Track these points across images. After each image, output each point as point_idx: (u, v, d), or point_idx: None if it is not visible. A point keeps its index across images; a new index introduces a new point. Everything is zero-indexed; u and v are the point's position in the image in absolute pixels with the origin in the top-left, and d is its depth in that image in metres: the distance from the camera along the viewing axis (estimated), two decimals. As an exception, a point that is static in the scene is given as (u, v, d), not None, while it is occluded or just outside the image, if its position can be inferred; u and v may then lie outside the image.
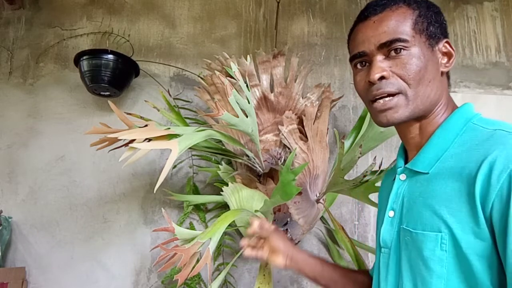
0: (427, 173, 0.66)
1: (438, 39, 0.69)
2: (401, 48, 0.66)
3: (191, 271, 1.01)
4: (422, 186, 0.66)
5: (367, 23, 0.69)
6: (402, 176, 0.71)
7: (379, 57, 0.67)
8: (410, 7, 0.69)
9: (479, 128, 0.63)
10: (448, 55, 0.70)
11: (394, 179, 0.74)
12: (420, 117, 0.69)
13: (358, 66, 0.72)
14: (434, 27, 0.69)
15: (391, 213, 0.72)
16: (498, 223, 0.54)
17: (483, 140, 0.60)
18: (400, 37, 0.66)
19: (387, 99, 0.66)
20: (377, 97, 0.67)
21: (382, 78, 0.66)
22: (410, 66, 0.65)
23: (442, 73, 0.70)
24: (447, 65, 0.70)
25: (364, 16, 0.71)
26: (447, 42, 0.70)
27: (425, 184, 0.65)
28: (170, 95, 1.77)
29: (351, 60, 0.73)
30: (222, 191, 1.47)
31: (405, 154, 0.76)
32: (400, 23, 0.67)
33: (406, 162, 0.74)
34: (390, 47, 0.66)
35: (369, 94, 0.69)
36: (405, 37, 0.66)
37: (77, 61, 1.63)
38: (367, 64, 0.70)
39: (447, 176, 0.62)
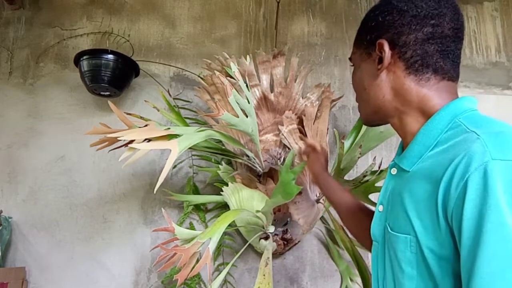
0: (409, 171, 0.65)
1: (375, 43, 0.69)
2: (351, 65, 0.80)
3: (190, 271, 1.01)
4: (403, 184, 0.65)
5: None
6: (393, 170, 0.71)
7: None
8: (360, 26, 0.76)
9: (462, 126, 0.59)
10: (381, 54, 0.68)
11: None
12: (384, 117, 0.73)
13: None
14: (370, 34, 0.71)
15: (380, 208, 0.73)
16: (456, 234, 0.53)
17: (457, 141, 0.57)
18: (350, 56, 0.80)
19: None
20: None
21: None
22: (353, 79, 0.78)
23: (378, 75, 0.69)
24: (378, 67, 0.68)
25: None
26: (379, 43, 0.68)
27: (406, 182, 0.65)
28: (170, 95, 1.77)
29: None
30: (222, 191, 1.47)
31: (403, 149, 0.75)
32: (353, 43, 0.78)
33: None
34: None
35: None
36: (352, 55, 0.79)
37: (77, 61, 1.63)
38: None
39: (422, 176, 0.61)
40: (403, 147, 0.73)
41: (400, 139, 0.75)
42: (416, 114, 0.67)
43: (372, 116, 0.75)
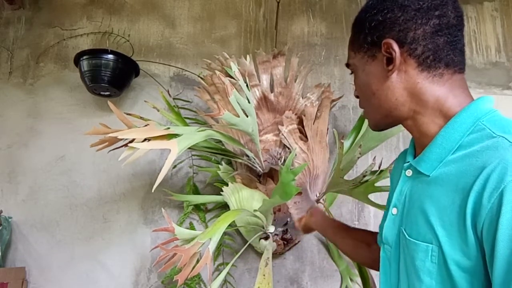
0: (429, 175, 0.62)
1: (380, 43, 0.65)
2: (351, 71, 0.75)
3: (191, 271, 1.01)
4: (423, 188, 0.63)
5: None
6: (408, 172, 0.68)
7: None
8: (353, 28, 0.73)
9: (486, 130, 0.57)
10: (390, 54, 0.64)
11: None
12: (396, 120, 0.69)
13: None
14: (371, 35, 0.67)
15: (394, 211, 0.70)
16: (487, 246, 0.51)
17: (485, 147, 0.55)
18: (347, 62, 0.76)
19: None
20: None
21: (357, 96, 0.77)
22: (357, 85, 0.75)
23: (388, 76, 0.65)
24: (389, 68, 0.65)
25: None
26: (385, 43, 0.64)
27: (425, 187, 0.62)
28: (170, 95, 1.77)
29: None
30: (222, 191, 1.47)
31: (415, 149, 0.72)
32: (348, 48, 0.75)
33: (414, 158, 0.71)
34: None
35: None
36: (349, 61, 0.75)
37: (77, 61, 1.63)
38: None
39: (445, 183, 0.58)
40: (415, 147, 0.71)
41: (411, 139, 0.72)
42: (433, 115, 0.64)
43: (383, 120, 0.71)
